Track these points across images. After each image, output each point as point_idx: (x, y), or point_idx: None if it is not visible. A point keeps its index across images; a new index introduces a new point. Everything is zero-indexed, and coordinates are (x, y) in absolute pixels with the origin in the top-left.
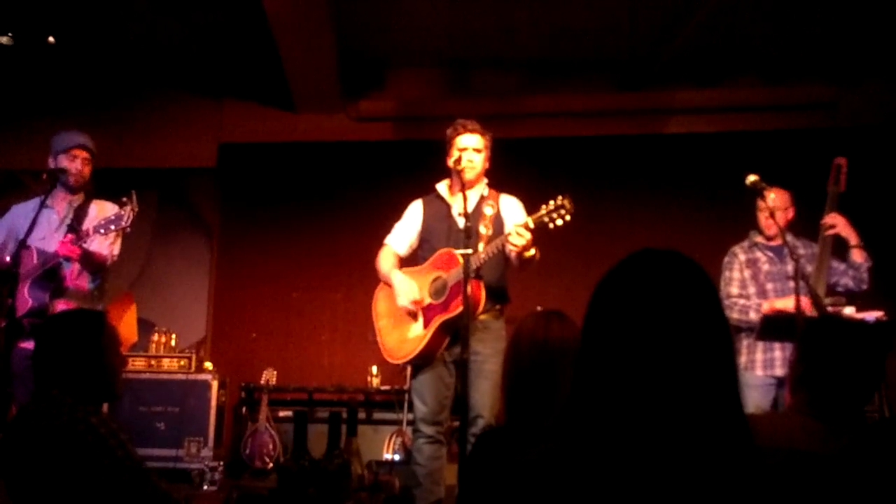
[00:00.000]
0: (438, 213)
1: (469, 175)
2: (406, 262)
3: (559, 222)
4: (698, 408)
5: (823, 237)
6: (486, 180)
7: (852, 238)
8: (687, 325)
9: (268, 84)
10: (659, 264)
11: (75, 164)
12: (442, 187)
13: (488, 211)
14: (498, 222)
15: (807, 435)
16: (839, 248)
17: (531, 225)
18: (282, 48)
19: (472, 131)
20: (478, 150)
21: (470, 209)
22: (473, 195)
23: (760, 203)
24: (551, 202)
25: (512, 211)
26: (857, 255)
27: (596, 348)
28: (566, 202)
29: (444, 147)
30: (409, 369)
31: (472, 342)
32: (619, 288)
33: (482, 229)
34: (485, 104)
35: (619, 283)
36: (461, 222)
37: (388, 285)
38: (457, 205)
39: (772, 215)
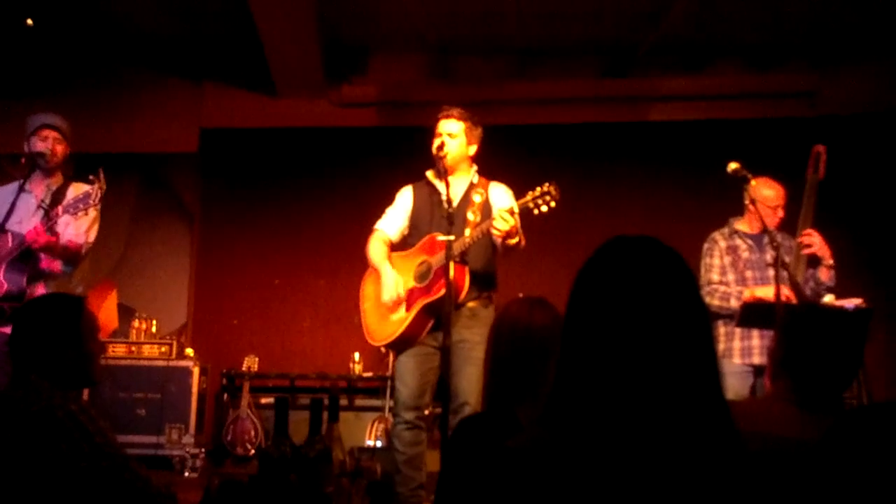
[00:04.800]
0: (428, 199)
1: (446, 161)
2: (396, 248)
3: (544, 208)
4: (679, 393)
5: (798, 254)
6: (475, 168)
7: (826, 258)
8: (665, 310)
9: (249, 69)
10: (634, 251)
11: (46, 143)
12: (432, 174)
13: (477, 198)
14: (486, 210)
15: (786, 421)
16: (813, 257)
17: (516, 210)
18: (263, 32)
19: (447, 116)
20: (452, 136)
21: (459, 196)
22: (462, 182)
23: (766, 196)
24: (537, 188)
25: (500, 199)
26: (824, 275)
27: (577, 337)
28: (552, 189)
29: (428, 133)
30: (391, 356)
31: (460, 329)
32: (596, 276)
33: (470, 216)
34: (468, 90)
35: (596, 271)
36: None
37: (374, 271)
38: (446, 191)
39: (774, 209)
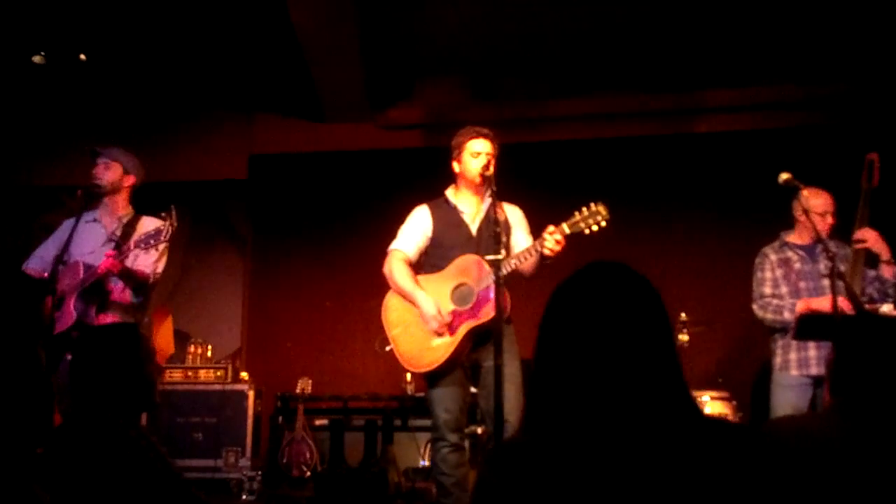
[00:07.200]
0: (450, 218)
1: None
2: (415, 269)
3: (595, 228)
4: (641, 400)
5: (855, 249)
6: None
7: (884, 253)
8: (623, 328)
9: (297, 95)
10: (602, 277)
11: (95, 170)
12: (451, 193)
13: (501, 216)
14: (507, 229)
15: (845, 435)
16: (871, 257)
17: (567, 231)
18: (310, 60)
19: (485, 136)
20: (492, 155)
21: (482, 215)
22: (485, 201)
23: (814, 203)
24: (584, 209)
25: (516, 218)
26: (886, 271)
27: (547, 352)
28: (601, 208)
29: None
30: (409, 375)
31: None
32: (564, 298)
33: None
34: (512, 109)
35: (565, 294)
36: (474, 228)
37: (404, 297)
38: (468, 210)
39: (823, 216)
